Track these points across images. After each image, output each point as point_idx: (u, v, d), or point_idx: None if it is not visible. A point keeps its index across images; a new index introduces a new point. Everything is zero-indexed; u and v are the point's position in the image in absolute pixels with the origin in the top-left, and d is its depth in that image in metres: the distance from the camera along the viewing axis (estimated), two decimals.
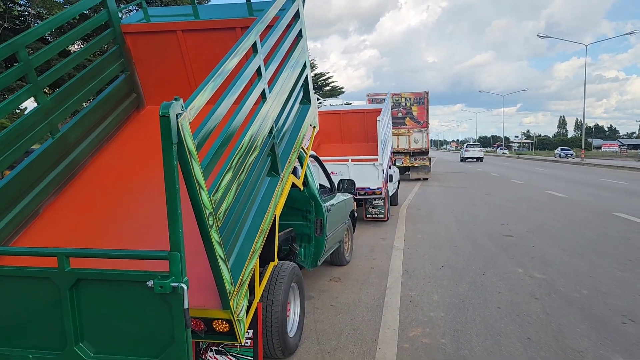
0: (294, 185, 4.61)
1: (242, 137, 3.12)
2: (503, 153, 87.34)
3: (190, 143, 2.40)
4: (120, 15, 4.91)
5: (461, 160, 52.39)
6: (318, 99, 12.37)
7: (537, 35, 43.89)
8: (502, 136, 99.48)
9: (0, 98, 12.79)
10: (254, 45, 3.37)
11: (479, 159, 50.77)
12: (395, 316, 4.98)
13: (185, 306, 2.38)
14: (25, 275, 2.62)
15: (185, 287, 2.37)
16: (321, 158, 9.90)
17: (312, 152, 6.45)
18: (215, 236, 2.64)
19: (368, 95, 19.82)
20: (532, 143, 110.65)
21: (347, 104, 20.80)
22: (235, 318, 2.91)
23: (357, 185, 9.70)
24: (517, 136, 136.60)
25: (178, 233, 2.34)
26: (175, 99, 2.30)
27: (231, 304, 2.84)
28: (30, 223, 3.76)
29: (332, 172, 9.56)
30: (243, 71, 3.15)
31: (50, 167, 3.93)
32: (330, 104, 19.31)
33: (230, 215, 3.00)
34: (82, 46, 4.30)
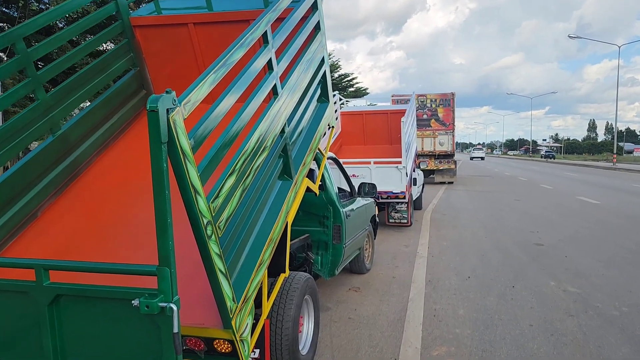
0: (309, 190, 4.29)
1: (248, 137, 2.82)
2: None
3: (185, 143, 2.10)
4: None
5: (470, 159, 68.94)
6: (340, 99, 12.03)
7: (568, 36, 42.71)
8: (529, 139, 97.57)
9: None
10: (264, 36, 3.06)
11: (482, 158, 70.18)
12: (418, 332, 4.62)
13: (175, 330, 2.08)
14: (1, 289, 2.35)
15: (174, 307, 2.07)
16: (343, 160, 9.58)
17: (330, 154, 6.13)
18: (214, 248, 2.34)
19: (393, 96, 19.39)
20: (560, 147, 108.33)
21: (370, 105, 20.38)
22: (238, 338, 2.61)
23: (379, 189, 9.33)
24: (545, 139, 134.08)
25: (168, 246, 2.04)
26: (167, 92, 2.01)
27: (233, 323, 2.54)
28: (27, 226, 3.53)
29: (353, 175, 9.22)
30: (251, 63, 2.85)
31: (49, 166, 3.70)
32: (355, 104, 18.94)
33: (234, 224, 2.69)
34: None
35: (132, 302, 2.08)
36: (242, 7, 4.49)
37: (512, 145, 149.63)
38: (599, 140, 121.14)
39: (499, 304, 5.43)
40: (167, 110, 1.98)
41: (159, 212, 2.01)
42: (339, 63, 36.73)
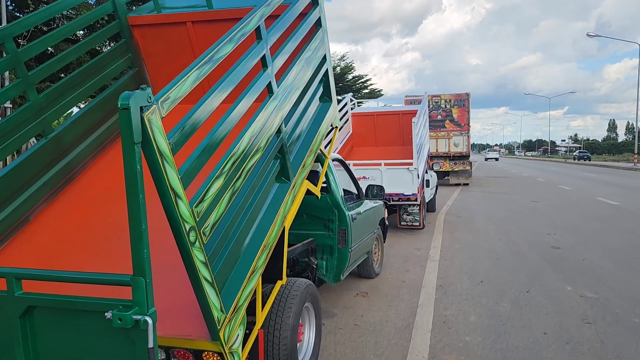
0: (311, 192, 4.14)
1: (239, 137, 2.67)
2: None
3: (163, 143, 1.97)
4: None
5: (485, 160, 71.44)
6: (351, 100, 11.85)
7: (587, 35, 41.89)
8: (547, 140, 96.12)
9: None
10: (258, 31, 2.92)
11: (496, 159, 73.17)
12: (426, 340, 4.43)
13: (151, 345, 1.93)
14: None
15: (150, 320, 1.93)
16: (353, 162, 9.42)
17: (336, 155, 5.97)
18: (198, 255, 2.20)
19: (406, 97, 19.15)
20: (580, 147, 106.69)
21: (386, 106, 20.17)
22: (227, 351, 2.46)
23: (390, 191, 9.16)
24: (564, 140, 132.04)
25: (142, 254, 1.90)
26: (141, 88, 1.88)
27: (221, 334, 2.40)
28: (19, 231, 3.42)
29: (363, 177, 9.06)
30: (242, 60, 2.71)
31: (42, 169, 3.59)
32: (368, 105, 18.76)
33: (222, 229, 2.55)
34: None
35: (105, 314, 1.95)
36: (242, 4, 4.36)
37: (530, 146, 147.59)
38: (620, 140, 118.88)
39: (512, 309, 5.21)
40: (141, 108, 1.85)
41: (132, 218, 1.87)
42: (353, 65, 36.45)
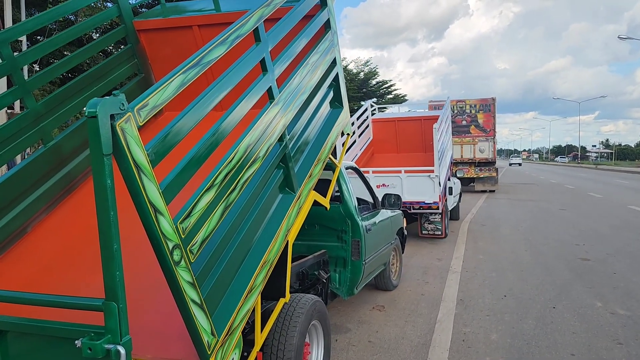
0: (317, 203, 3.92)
1: (235, 146, 2.49)
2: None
3: (140, 154, 1.80)
4: None
5: (510, 165, 74.07)
6: (372, 106, 11.63)
7: (618, 37, 40.72)
8: (577, 145, 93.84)
9: None
10: (256, 33, 2.74)
11: (519, 164, 75.45)
12: None
13: None
14: None
15: (122, 350, 1.75)
16: (372, 169, 9.19)
17: (351, 164, 5.76)
18: (184, 275, 2.02)
19: (430, 102, 18.77)
20: (611, 153, 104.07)
21: (410, 111, 19.81)
22: None
23: (411, 199, 8.91)
24: (595, 145, 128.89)
25: (114, 276, 1.73)
26: (114, 94, 1.71)
27: (212, 359, 2.21)
28: (16, 242, 3.30)
29: (383, 185, 8.83)
30: (237, 63, 2.53)
31: (40, 179, 3.47)
32: (391, 110, 18.46)
33: (213, 246, 2.36)
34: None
35: (75, 342, 1.77)
36: (250, 7, 4.19)
37: (559, 151, 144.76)
38: None
39: (537, 327, 4.90)
40: (112, 116, 1.68)
41: (103, 236, 1.70)
42: (377, 70, 36.12)
